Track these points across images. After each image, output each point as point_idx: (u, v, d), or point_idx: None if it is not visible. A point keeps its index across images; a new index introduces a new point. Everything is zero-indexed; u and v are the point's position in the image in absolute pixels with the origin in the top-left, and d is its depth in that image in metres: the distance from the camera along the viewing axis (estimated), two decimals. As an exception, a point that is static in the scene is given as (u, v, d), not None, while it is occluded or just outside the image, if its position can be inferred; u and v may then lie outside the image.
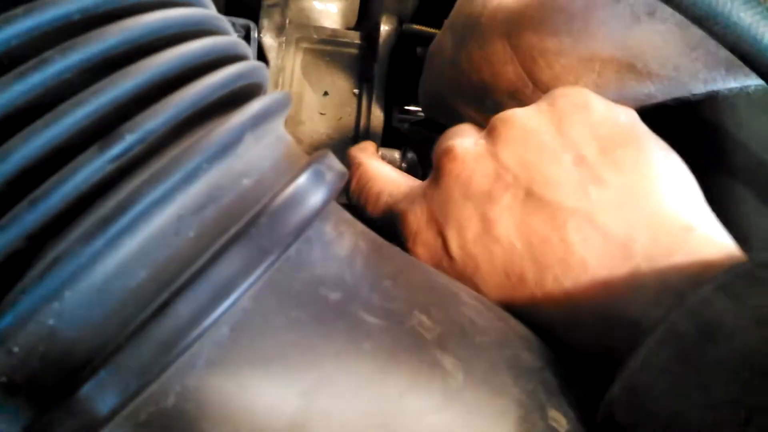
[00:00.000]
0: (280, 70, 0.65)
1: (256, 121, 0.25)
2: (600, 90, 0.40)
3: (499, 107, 0.47)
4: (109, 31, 0.24)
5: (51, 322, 0.21)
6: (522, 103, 0.45)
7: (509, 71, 0.44)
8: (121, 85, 0.23)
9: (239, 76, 0.26)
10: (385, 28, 0.67)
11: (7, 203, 0.21)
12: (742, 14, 0.35)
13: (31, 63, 0.22)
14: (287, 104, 0.28)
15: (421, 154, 0.63)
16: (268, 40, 0.63)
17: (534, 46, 0.41)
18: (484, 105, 0.49)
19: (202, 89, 0.24)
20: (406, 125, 0.65)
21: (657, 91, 0.39)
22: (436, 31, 0.64)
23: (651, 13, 0.36)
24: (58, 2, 0.23)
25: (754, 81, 0.38)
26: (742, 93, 0.43)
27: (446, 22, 0.53)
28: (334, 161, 0.28)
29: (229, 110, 0.26)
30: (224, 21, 0.29)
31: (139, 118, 0.23)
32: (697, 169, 0.47)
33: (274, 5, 0.66)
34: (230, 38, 0.28)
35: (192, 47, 0.25)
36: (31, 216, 0.21)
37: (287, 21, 0.66)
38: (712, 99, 0.45)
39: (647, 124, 0.42)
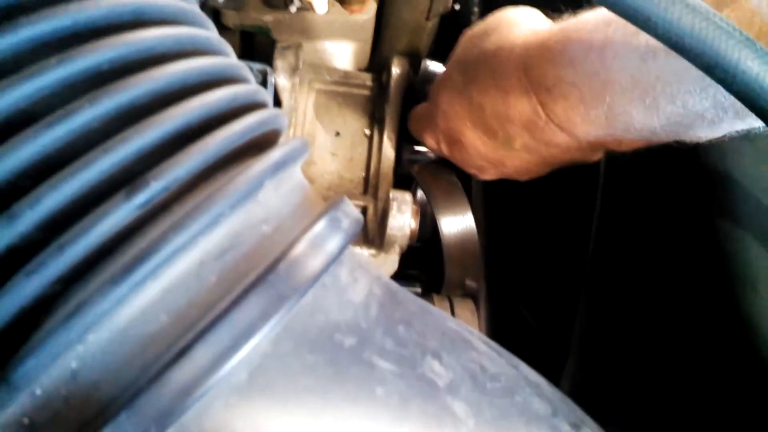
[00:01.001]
0: (293, 110, 0.66)
1: (276, 169, 0.26)
2: (608, 121, 0.41)
3: (512, 140, 0.49)
4: (136, 81, 0.25)
5: (74, 365, 0.22)
6: (534, 135, 0.46)
7: (524, 102, 0.45)
8: (147, 133, 0.23)
9: (260, 124, 0.27)
10: (396, 70, 0.68)
11: (35, 247, 0.22)
12: (749, 63, 0.36)
13: (62, 111, 0.23)
14: (305, 151, 0.29)
15: (430, 195, 0.63)
16: (282, 81, 0.65)
17: (550, 76, 0.42)
18: (495, 137, 0.50)
19: (225, 138, 0.25)
20: (416, 166, 0.66)
21: (662, 129, 0.40)
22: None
23: (668, 50, 0.37)
24: (87, 53, 0.24)
25: (760, 123, 0.39)
26: (749, 138, 0.44)
27: (453, 59, 0.55)
28: (349, 207, 0.28)
29: (250, 156, 0.27)
30: (245, 68, 0.30)
31: (164, 165, 0.23)
32: (704, 214, 0.48)
33: (288, 47, 0.67)
34: (251, 87, 0.29)
35: (215, 97, 0.26)
36: (60, 262, 0.21)
37: (300, 62, 0.67)
38: (718, 146, 0.46)
39: (655, 168, 0.44)
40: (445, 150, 0.59)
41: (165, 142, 0.24)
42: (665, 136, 0.42)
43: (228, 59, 0.29)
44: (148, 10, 0.27)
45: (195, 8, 0.30)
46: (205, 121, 0.25)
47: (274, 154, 0.26)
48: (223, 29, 0.71)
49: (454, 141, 0.56)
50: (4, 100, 0.23)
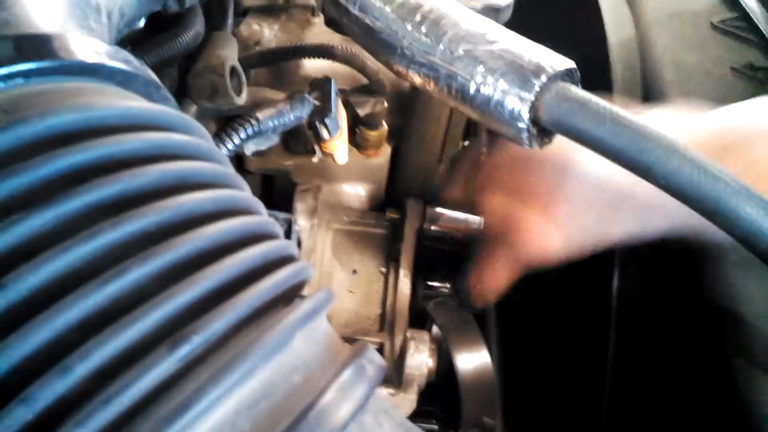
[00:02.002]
0: (312, 250, 0.69)
1: (305, 320, 0.28)
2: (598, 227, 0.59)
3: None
4: (179, 242, 0.27)
5: None
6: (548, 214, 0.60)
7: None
8: (189, 291, 0.26)
9: (289, 278, 0.29)
10: (410, 211, 0.72)
11: (83, 397, 0.24)
12: (748, 209, 0.39)
13: (112, 271, 0.25)
14: (331, 301, 0.31)
15: (446, 331, 0.65)
16: (301, 222, 0.68)
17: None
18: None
19: (259, 293, 0.27)
20: (430, 303, 0.68)
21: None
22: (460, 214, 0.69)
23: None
24: (136, 218, 0.27)
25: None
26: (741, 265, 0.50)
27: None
28: (374, 355, 0.30)
29: (281, 307, 0.29)
30: (274, 224, 0.33)
31: (204, 319, 0.25)
32: (717, 346, 0.51)
33: (307, 189, 0.71)
34: (280, 243, 0.31)
35: (249, 255, 0.28)
36: (105, 413, 0.23)
37: (319, 203, 0.70)
38: (715, 278, 0.53)
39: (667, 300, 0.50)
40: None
41: (205, 298, 0.26)
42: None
43: (260, 217, 0.32)
44: (192, 175, 0.30)
45: (230, 170, 0.33)
46: (241, 278, 0.28)
47: (304, 307, 0.28)
48: (245, 173, 0.75)
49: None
50: (61, 261, 0.25)
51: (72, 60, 0.31)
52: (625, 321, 0.63)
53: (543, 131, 0.44)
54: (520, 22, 0.55)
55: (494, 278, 0.64)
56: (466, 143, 0.86)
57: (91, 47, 0.32)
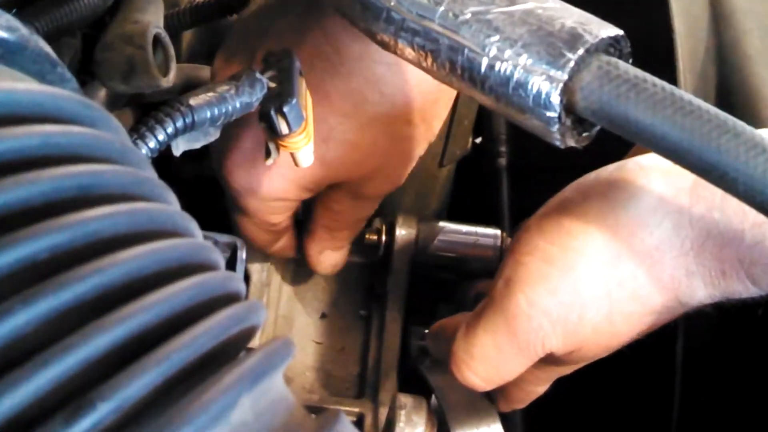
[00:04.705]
0: (265, 285, 0.69)
1: (253, 381, 0.28)
2: None
3: None
4: (79, 275, 0.27)
5: None
6: None
7: None
8: (93, 342, 0.26)
9: (234, 321, 0.30)
10: (401, 231, 0.72)
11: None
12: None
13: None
14: (290, 355, 0.31)
15: (445, 401, 0.65)
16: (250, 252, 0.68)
17: None
18: None
19: (189, 344, 0.27)
20: (428, 360, 0.68)
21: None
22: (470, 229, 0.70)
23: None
24: (19, 242, 0.27)
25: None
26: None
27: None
28: (347, 428, 0.30)
29: (220, 363, 0.29)
30: (213, 251, 0.33)
31: (114, 381, 0.25)
32: None
33: None
34: (222, 276, 0.31)
35: (177, 292, 0.29)
36: None
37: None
38: None
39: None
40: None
41: (115, 351, 0.26)
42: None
43: (192, 241, 0.32)
44: (97, 184, 0.30)
45: (152, 176, 0.33)
46: (164, 323, 0.28)
47: (251, 363, 0.28)
48: (174, 181, 0.75)
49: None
50: None
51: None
52: (691, 384, 0.64)
53: (580, 122, 0.45)
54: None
55: (493, 363, 0.60)
56: (478, 141, 0.86)
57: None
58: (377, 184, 0.69)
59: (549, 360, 0.59)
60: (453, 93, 0.70)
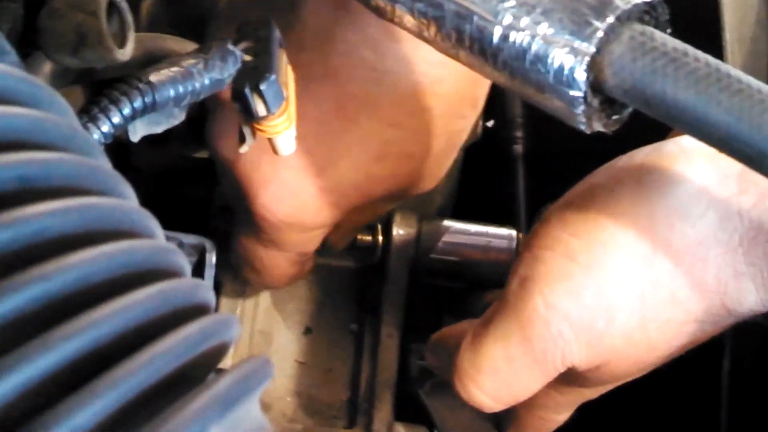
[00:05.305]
0: (239, 295, 0.68)
1: (224, 407, 0.28)
2: None
3: None
4: (16, 283, 0.27)
5: None
6: None
7: None
8: (35, 362, 0.25)
9: (201, 338, 0.29)
10: (399, 231, 0.71)
11: None
12: None
13: None
14: (267, 377, 0.31)
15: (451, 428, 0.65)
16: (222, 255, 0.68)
17: None
18: None
19: (150, 363, 0.27)
20: (428, 384, 0.68)
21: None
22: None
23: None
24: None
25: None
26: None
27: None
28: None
29: (186, 387, 0.29)
30: (177, 254, 0.33)
31: (59, 409, 0.25)
32: None
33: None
34: (186, 283, 0.31)
35: (133, 303, 0.28)
36: None
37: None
38: None
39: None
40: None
41: (60, 374, 0.26)
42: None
43: (151, 243, 0.32)
44: (39, 175, 0.30)
45: (105, 166, 0.33)
46: (117, 341, 0.27)
47: (220, 386, 0.28)
48: (132, 171, 0.75)
49: None
50: None
51: None
52: (739, 413, 0.64)
53: (609, 103, 0.45)
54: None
55: (507, 381, 0.60)
56: (490, 125, 0.86)
57: None
58: (424, 184, 0.69)
59: (570, 378, 0.59)
60: None
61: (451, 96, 0.65)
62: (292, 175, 0.65)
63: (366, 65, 0.63)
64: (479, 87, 0.68)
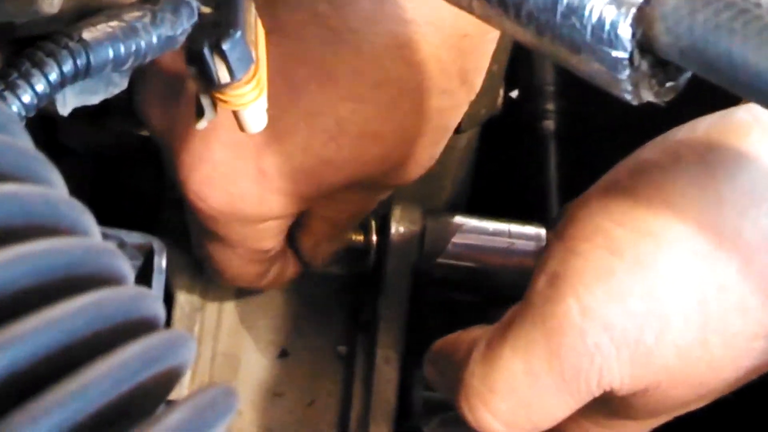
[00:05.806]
0: (197, 310, 0.68)
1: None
2: None
3: None
4: None
5: None
6: None
7: None
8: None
9: (147, 361, 0.29)
10: (399, 228, 0.72)
11: None
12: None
13: None
14: (230, 409, 0.31)
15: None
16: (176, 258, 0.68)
17: None
18: None
19: (81, 393, 0.27)
20: (435, 421, 0.68)
21: None
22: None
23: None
24: None
25: None
26: None
27: None
28: None
29: (128, 422, 0.29)
30: (117, 256, 0.33)
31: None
32: None
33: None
34: (128, 292, 0.31)
35: (61, 315, 0.28)
36: None
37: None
38: None
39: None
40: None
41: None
42: None
43: (82, 241, 0.32)
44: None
45: (26, 147, 0.33)
46: (39, 364, 0.27)
47: (171, 420, 0.28)
48: (61, 152, 0.75)
49: None
50: None
51: None
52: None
53: (661, 66, 0.45)
54: None
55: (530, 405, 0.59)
56: (514, 95, 0.86)
57: None
58: (404, 172, 0.69)
59: (608, 405, 0.58)
60: (495, 33, 0.69)
61: (430, 66, 0.64)
62: (227, 155, 0.65)
63: (320, 22, 0.62)
64: (470, 57, 0.68)
